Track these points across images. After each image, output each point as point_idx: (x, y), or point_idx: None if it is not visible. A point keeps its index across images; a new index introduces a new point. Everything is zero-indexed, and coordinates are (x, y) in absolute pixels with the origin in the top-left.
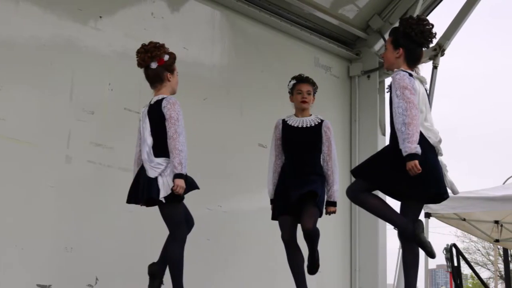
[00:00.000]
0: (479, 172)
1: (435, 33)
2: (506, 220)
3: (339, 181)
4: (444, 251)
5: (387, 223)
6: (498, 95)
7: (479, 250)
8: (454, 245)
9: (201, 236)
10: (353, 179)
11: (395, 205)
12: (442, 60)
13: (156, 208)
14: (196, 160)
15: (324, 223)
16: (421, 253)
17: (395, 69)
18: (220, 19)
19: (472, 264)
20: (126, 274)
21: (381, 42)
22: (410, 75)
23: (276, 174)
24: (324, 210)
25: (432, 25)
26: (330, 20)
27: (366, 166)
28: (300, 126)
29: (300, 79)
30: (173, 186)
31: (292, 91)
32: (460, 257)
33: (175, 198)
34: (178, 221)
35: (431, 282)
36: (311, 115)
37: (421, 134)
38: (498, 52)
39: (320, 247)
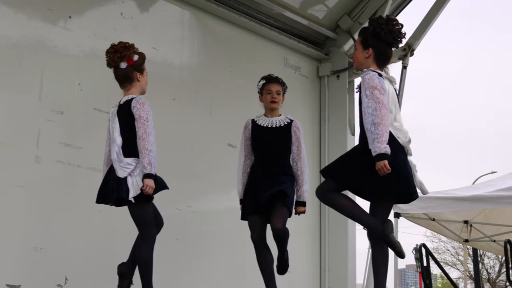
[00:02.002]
0: (448, 172)
1: (405, 33)
2: (475, 220)
3: (308, 181)
4: (414, 251)
5: (357, 223)
6: (466, 95)
7: (448, 250)
8: (424, 245)
9: (171, 236)
10: (323, 179)
11: (364, 205)
12: (411, 60)
13: (125, 208)
14: (166, 160)
15: (294, 223)
16: (391, 253)
17: (365, 69)
18: (189, 19)
19: (441, 264)
20: (95, 274)
21: (350, 42)
22: (380, 75)
23: (246, 174)
24: (293, 210)
25: (402, 25)
26: (300, 20)
27: (336, 166)
28: (269, 126)
29: (270, 79)
30: (143, 186)
31: (261, 91)
32: (430, 257)
33: (144, 198)
34: (148, 221)
35: (401, 282)
36: (280, 115)
37: (391, 134)
38: (466, 52)
39: (290, 247)
